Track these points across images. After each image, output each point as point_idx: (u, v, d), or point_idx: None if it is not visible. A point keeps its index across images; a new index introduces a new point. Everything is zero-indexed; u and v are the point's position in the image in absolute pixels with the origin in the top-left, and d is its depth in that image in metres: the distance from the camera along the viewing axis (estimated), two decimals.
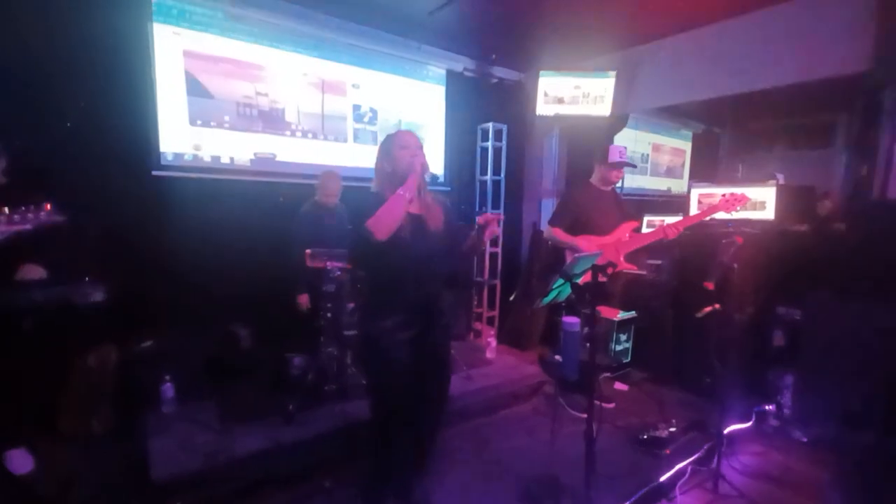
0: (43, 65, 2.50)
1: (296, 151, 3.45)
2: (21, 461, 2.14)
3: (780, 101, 5.01)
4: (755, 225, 2.89)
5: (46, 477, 2.09)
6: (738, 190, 2.75)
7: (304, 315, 2.90)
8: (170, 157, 2.99)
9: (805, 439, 2.75)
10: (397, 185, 1.68)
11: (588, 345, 1.42)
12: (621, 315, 2.09)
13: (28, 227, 1.62)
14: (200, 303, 2.88)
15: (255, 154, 3.29)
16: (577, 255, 1.61)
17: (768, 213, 2.96)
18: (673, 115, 5.99)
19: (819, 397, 2.77)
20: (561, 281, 1.53)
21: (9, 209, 1.55)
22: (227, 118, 3.16)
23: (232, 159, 3.21)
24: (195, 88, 3.03)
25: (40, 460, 2.15)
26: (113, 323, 2.48)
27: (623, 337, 2.08)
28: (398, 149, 1.77)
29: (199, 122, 3.06)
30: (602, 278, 1.39)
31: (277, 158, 3.38)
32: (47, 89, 2.53)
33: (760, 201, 2.94)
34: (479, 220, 1.71)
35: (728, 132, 6.77)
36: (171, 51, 2.93)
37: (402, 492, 1.97)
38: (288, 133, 3.41)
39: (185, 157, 3.04)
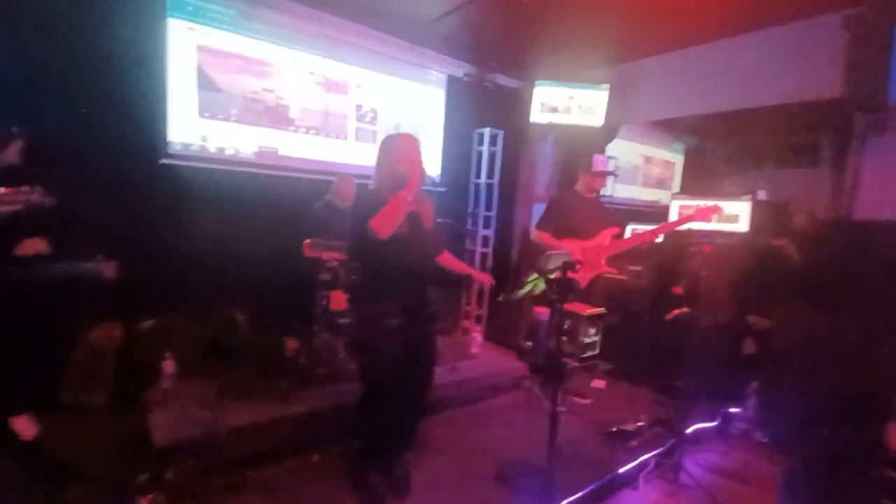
0: (62, 54, 2.63)
1: (298, 147, 3.61)
2: (25, 427, 2.27)
3: (767, 120, 5.20)
4: (729, 237, 3.07)
5: (50, 443, 2.22)
6: (713, 202, 2.93)
7: (296, 302, 3.03)
8: (178, 147, 3.13)
9: (766, 440, 2.93)
10: (396, 186, 1.83)
11: (555, 334, 1.59)
12: (590, 311, 2.26)
13: (19, 207, 1.68)
14: (201, 287, 3.02)
15: (258, 147, 3.44)
16: (549, 252, 1.78)
17: (742, 226, 3.14)
18: (665, 129, 6.18)
19: (780, 401, 2.95)
20: (535, 276, 1.69)
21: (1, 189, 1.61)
22: (234, 112, 3.30)
23: (236, 151, 3.36)
24: (205, 82, 3.18)
25: (44, 429, 2.28)
26: (118, 301, 2.62)
27: (592, 330, 2.25)
28: (400, 152, 1.91)
29: (207, 114, 3.21)
30: (571, 274, 1.56)
31: (280, 153, 3.53)
32: (65, 78, 2.66)
33: (735, 214, 3.12)
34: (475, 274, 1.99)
35: (718, 148, 6.97)
36: (184, 45, 3.07)
37: (385, 467, 2.12)
38: (291, 129, 3.56)
39: (193, 147, 3.19)
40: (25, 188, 1.58)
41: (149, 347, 2.75)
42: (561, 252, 1.73)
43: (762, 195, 4.63)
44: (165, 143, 3.08)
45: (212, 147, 3.26)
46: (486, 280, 2.27)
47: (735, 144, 6.67)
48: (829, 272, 2.88)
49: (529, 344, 2.10)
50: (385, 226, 1.74)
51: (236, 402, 2.51)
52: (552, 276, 1.63)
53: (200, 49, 3.13)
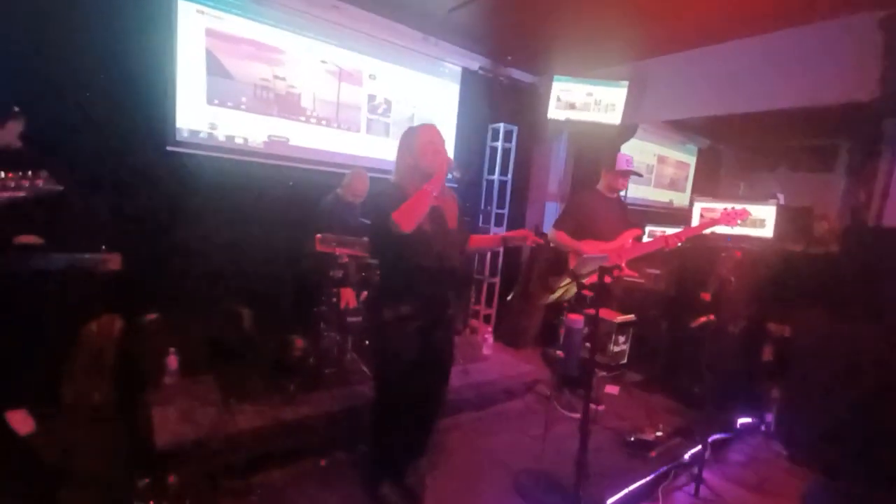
0: (66, 35, 2.53)
1: (309, 137, 3.49)
2: (22, 422, 2.18)
3: (784, 123, 5.09)
4: (754, 242, 2.97)
5: (47, 442, 2.13)
6: (739, 206, 2.83)
7: (302, 299, 2.93)
8: (185, 134, 3.02)
9: (786, 452, 2.84)
10: (419, 179, 1.73)
11: (588, 344, 1.49)
12: (621, 318, 2.16)
13: (24, 194, 1.59)
14: (206, 279, 2.93)
15: (268, 136, 3.33)
16: (584, 256, 1.67)
17: (767, 231, 3.04)
18: (679, 129, 6.06)
19: (801, 413, 2.86)
20: (568, 280, 1.59)
21: (4, 174, 1.52)
22: (243, 99, 3.19)
23: (246, 140, 3.25)
24: (215, 67, 3.06)
25: (42, 426, 2.19)
26: (120, 293, 2.52)
27: (622, 339, 2.16)
28: (423, 144, 1.81)
29: (216, 101, 3.10)
30: (608, 279, 1.46)
31: (291, 143, 3.42)
32: (69, 58, 2.55)
33: (760, 219, 3.02)
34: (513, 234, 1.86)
35: (732, 150, 6.87)
36: (193, 29, 2.96)
37: (398, 475, 2.03)
38: (303, 119, 3.45)
39: (201, 134, 3.08)
40: (30, 173, 1.47)
41: (152, 342, 2.65)
42: (596, 255, 1.63)
43: (781, 199, 4.53)
44: (173, 130, 2.97)
45: (220, 135, 3.15)
46: (528, 236, 1.93)
47: (750, 146, 6.56)
48: (853, 280, 2.79)
49: (560, 353, 1.99)
50: (409, 219, 1.63)
51: (242, 402, 2.42)
52: (587, 282, 1.54)
53: (210, 33, 3.02)
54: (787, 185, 5.95)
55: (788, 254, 3.14)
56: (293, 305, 3.04)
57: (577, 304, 1.77)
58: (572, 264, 1.88)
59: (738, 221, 2.72)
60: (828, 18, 3.08)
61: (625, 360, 2.24)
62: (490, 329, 3.89)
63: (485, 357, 3.45)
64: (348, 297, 2.68)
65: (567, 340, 1.89)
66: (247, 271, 3.06)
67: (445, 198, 1.87)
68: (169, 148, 2.95)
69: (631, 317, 2.26)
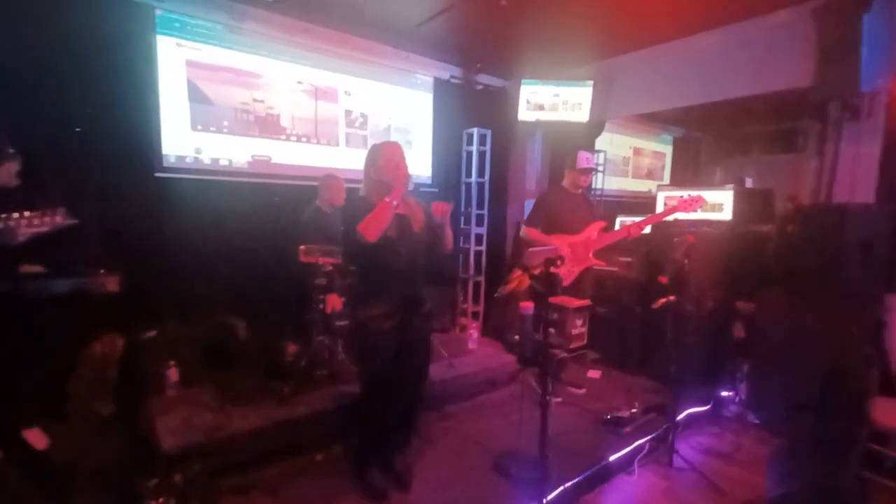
0: (54, 73, 2.70)
1: (290, 154, 3.68)
2: (37, 439, 2.34)
3: (753, 109, 5.29)
4: (714, 225, 3.15)
5: (59, 452, 2.28)
6: (698, 193, 3.01)
7: (294, 307, 3.09)
8: (172, 160, 3.20)
9: (757, 422, 3.01)
10: (383, 192, 1.93)
11: (542, 326, 1.67)
12: (577, 303, 2.34)
13: (45, 229, 1.76)
14: (201, 295, 3.09)
15: (251, 156, 3.51)
16: (530, 249, 1.86)
17: (726, 214, 3.23)
18: (653, 121, 6.27)
19: (769, 385, 3.03)
20: (520, 273, 1.77)
21: (29, 213, 1.69)
22: (226, 123, 3.37)
23: (230, 161, 3.43)
24: (196, 95, 3.24)
25: (53, 438, 2.34)
26: (119, 313, 2.69)
27: (579, 322, 2.34)
28: (384, 160, 2.02)
29: (199, 126, 3.28)
30: (554, 269, 1.64)
31: (273, 161, 3.60)
32: (58, 96, 2.72)
33: (719, 203, 3.21)
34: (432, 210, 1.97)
35: (707, 137, 7.07)
36: (174, 61, 3.14)
37: (385, 463, 2.20)
38: (283, 137, 3.63)
39: (187, 159, 3.25)
40: (49, 210, 1.65)
41: (152, 357, 2.81)
42: (546, 248, 1.81)
43: (749, 182, 4.72)
44: (160, 157, 3.15)
45: (206, 158, 3.33)
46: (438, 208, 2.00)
47: (722, 133, 6.77)
48: (805, 256, 2.96)
49: (517, 338, 2.17)
50: (372, 229, 1.83)
51: (239, 406, 2.58)
52: (535, 272, 1.71)
53: (190, 64, 3.20)
54: (762, 169, 6.16)
55: (751, 235, 3.31)
56: (284, 314, 3.21)
57: (532, 292, 1.94)
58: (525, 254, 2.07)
59: (697, 208, 2.91)
60: (770, 11, 3.28)
61: (584, 342, 2.41)
62: (476, 325, 4.06)
63: (470, 351, 3.63)
64: (333, 303, 2.85)
65: (522, 325, 2.08)
66: (239, 285, 3.23)
67: (410, 205, 2.06)
68: (157, 174, 3.12)
69: (587, 302, 2.44)
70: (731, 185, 3.34)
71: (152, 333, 2.91)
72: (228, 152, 3.41)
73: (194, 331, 3.02)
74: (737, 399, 3.19)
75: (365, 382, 2.14)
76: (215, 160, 3.37)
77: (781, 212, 3.95)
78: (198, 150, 3.29)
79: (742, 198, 3.39)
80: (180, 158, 3.23)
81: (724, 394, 3.21)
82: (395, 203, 1.87)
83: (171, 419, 2.45)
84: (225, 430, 2.35)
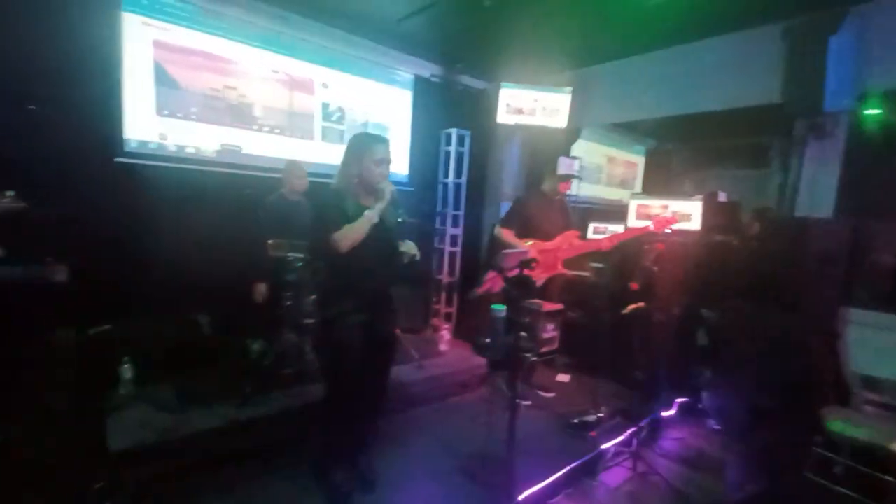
0: (6, 45, 2.51)
1: (262, 145, 3.55)
2: None
3: (721, 123, 5.47)
4: (683, 234, 3.23)
5: (3, 449, 2.12)
6: (668, 202, 3.08)
7: (261, 303, 2.99)
8: (134, 145, 3.04)
9: (718, 427, 3.09)
10: (360, 190, 1.86)
11: (511, 330, 1.65)
12: (549, 307, 2.34)
13: None
14: (162, 289, 2.94)
15: (220, 145, 3.37)
16: (503, 252, 1.84)
17: (695, 224, 3.31)
18: (627, 131, 6.39)
19: (730, 391, 3.13)
20: (493, 274, 1.75)
21: None
22: (194, 109, 3.23)
23: (197, 149, 3.28)
24: (163, 78, 3.09)
25: None
26: (73, 306, 2.53)
27: (550, 326, 2.33)
28: (372, 162, 1.89)
29: (165, 111, 3.12)
30: (527, 272, 1.62)
31: (243, 151, 3.47)
32: (9, 69, 2.54)
33: (687, 213, 3.29)
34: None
35: (679, 149, 7.26)
36: (140, 40, 2.98)
37: (349, 464, 2.14)
38: (255, 127, 3.51)
39: (150, 145, 3.10)
40: None
41: (105, 352, 2.65)
42: (518, 251, 1.79)
43: (723, 196, 4.87)
44: (122, 141, 2.98)
45: (171, 145, 3.18)
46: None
47: (693, 146, 6.97)
48: (769, 267, 3.08)
49: (488, 340, 2.15)
50: (348, 242, 1.79)
51: (197, 406, 2.47)
52: (509, 275, 1.70)
53: (157, 45, 3.05)
54: (730, 182, 6.36)
55: (717, 245, 3.41)
56: (250, 310, 3.09)
57: (504, 295, 1.93)
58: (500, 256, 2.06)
59: (667, 230, 2.96)
60: (741, 29, 3.39)
61: (555, 346, 2.41)
62: (448, 326, 4.03)
63: (441, 352, 3.59)
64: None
65: (493, 327, 2.06)
66: (203, 279, 3.08)
67: (385, 209, 2.00)
68: (118, 159, 2.96)
69: (559, 306, 2.44)
70: (700, 196, 3.42)
71: (105, 327, 2.76)
72: (196, 140, 3.26)
73: (154, 325, 2.87)
74: (699, 405, 3.27)
75: (330, 380, 2.08)
76: (181, 147, 3.22)
77: (745, 224, 4.09)
78: (162, 136, 3.13)
79: (710, 209, 3.48)
80: (143, 144, 3.07)
81: (688, 400, 3.28)
82: (375, 220, 1.81)
83: (123, 418, 2.32)
84: (179, 430, 2.23)
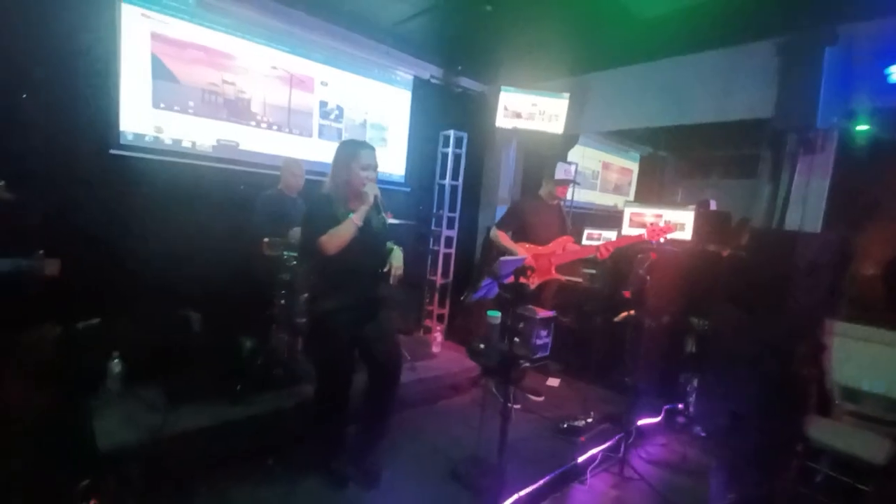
0: (1, 36, 2.47)
1: (260, 142, 3.53)
2: None
3: (713, 134, 5.55)
4: (674, 243, 3.27)
5: None
6: (662, 211, 3.12)
7: (255, 298, 2.98)
8: (130, 137, 3.00)
9: (703, 434, 3.14)
10: (348, 195, 1.92)
11: (506, 336, 1.67)
12: (542, 313, 2.37)
13: None
14: (154, 284, 2.90)
15: (217, 140, 3.34)
16: (502, 258, 1.87)
17: (686, 234, 3.36)
18: (622, 137, 6.46)
19: (715, 397, 3.18)
20: (489, 280, 1.77)
21: None
22: (191, 103, 3.20)
23: (194, 143, 3.25)
24: (161, 71, 3.06)
25: None
26: (60, 299, 2.49)
27: (543, 332, 2.36)
28: (359, 167, 1.95)
29: (162, 104, 3.09)
30: (523, 280, 1.64)
31: (241, 147, 3.45)
32: (4, 60, 2.49)
33: (680, 223, 3.34)
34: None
35: (671, 157, 7.36)
36: (138, 32, 2.94)
37: (343, 453, 2.19)
38: (253, 123, 3.49)
39: (146, 138, 3.06)
40: None
41: (94, 348, 2.62)
42: (515, 258, 1.82)
43: (713, 205, 4.95)
44: (117, 133, 2.94)
45: (167, 138, 3.14)
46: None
47: (686, 154, 7.06)
48: (757, 277, 3.13)
49: (482, 346, 2.17)
50: (334, 245, 1.85)
51: (186, 405, 2.43)
52: (505, 281, 1.72)
53: (155, 37, 3.01)
54: (721, 191, 6.44)
55: (707, 254, 3.46)
56: (243, 308, 3.07)
57: (498, 301, 1.95)
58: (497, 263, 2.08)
59: (662, 239, 3.00)
60: (737, 43, 3.44)
61: (547, 353, 2.44)
62: (441, 328, 4.04)
63: (433, 354, 3.60)
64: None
65: (487, 333, 2.08)
66: (196, 275, 3.06)
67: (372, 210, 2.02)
68: (112, 151, 2.92)
69: (552, 313, 2.47)
70: (693, 206, 3.48)
71: (93, 321, 2.72)
72: (192, 134, 3.23)
73: (144, 321, 2.84)
74: (686, 412, 3.32)
75: (318, 375, 2.11)
76: (177, 141, 3.19)
77: (736, 234, 4.16)
78: (159, 129, 3.10)
79: (702, 219, 3.53)
80: (139, 136, 3.03)
81: (675, 406, 3.33)
82: (360, 224, 1.87)
83: (111, 415, 2.29)
84: (167, 430, 2.21)
